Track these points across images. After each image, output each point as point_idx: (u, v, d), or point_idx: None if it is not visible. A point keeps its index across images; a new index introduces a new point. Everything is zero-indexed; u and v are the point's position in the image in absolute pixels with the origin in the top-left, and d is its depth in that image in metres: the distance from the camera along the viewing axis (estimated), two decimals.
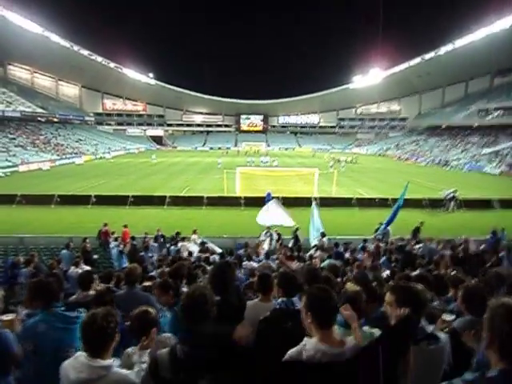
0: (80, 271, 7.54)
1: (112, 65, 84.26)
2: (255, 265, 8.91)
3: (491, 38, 60.00)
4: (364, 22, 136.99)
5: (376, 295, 3.78)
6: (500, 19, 56.66)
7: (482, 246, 12.32)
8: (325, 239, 13.00)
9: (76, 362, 2.27)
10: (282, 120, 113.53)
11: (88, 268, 8.52)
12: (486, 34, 60.58)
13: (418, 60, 78.47)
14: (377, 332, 2.89)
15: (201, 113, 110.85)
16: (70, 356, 2.88)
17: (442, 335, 2.47)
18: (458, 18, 69.78)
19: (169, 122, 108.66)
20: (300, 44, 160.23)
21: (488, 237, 14.55)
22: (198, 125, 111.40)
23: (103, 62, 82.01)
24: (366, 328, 2.94)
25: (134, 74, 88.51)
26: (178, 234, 14.61)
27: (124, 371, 2.30)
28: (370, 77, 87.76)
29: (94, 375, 2.18)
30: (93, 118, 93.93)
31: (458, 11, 75.06)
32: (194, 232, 14.70)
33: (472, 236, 12.56)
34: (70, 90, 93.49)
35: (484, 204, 24.46)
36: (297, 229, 14.99)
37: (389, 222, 15.22)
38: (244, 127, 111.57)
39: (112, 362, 2.28)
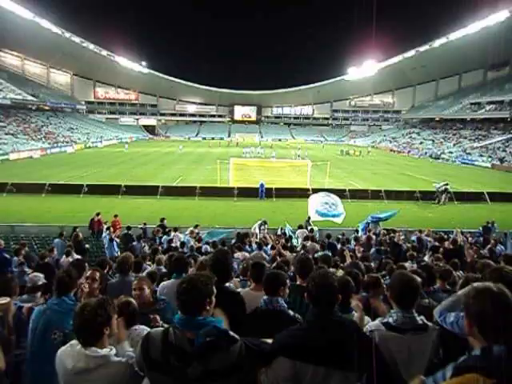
0: (71, 260, 7.52)
1: (104, 52, 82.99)
2: (247, 254, 8.95)
3: (486, 32, 60.03)
4: (358, 14, 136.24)
5: (359, 283, 3.93)
6: (494, 13, 56.68)
7: (471, 239, 12.48)
8: (299, 232, 13.22)
9: (72, 350, 2.25)
10: (276, 111, 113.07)
11: (79, 257, 8.50)
12: (480, 27, 60.65)
13: (412, 52, 78.37)
14: (367, 319, 2.95)
15: (194, 103, 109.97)
16: (56, 339, 2.95)
17: (431, 325, 2.51)
18: (453, 11, 69.80)
19: (162, 112, 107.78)
20: (294, 35, 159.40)
21: (480, 229, 14.79)
22: (192, 115, 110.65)
23: (95, 50, 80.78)
24: (357, 314, 3.00)
25: (127, 63, 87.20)
26: (162, 220, 14.44)
27: (123, 359, 2.26)
28: (364, 69, 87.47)
29: (92, 364, 2.16)
30: (84, 107, 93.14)
31: (452, 4, 74.95)
32: (196, 227, 13.86)
33: (464, 228, 12.70)
34: (61, 78, 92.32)
35: (475, 197, 24.71)
36: (308, 218, 15.33)
37: (373, 221, 15.22)
38: (237, 118, 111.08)
39: (109, 351, 2.24)
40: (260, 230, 13.89)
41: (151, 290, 3.59)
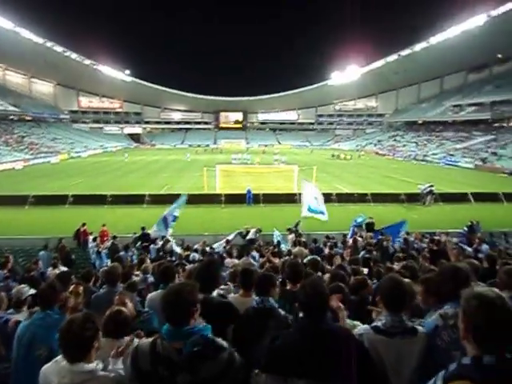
0: (58, 272, 7.39)
1: (87, 62, 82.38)
2: (236, 261, 8.93)
3: (466, 35, 61.48)
4: (341, 19, 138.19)
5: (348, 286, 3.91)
6: (474, 16, 58.05)
7: (454, 239, 12.62)
8: (290, 236, 13.33)
9: (57, 366, 2.19)
10: (262, 117, 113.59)
11: (66, 269, 8.36)
12: (460, 31, 62.03)
13: (394, 57, 79.65)
14: (358, 324, 2.95)
15: (179, 110, 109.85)
16: (41, 355, 2.86)
17: (421, 330, 2.49)
18: (433, 15, 71.26)
19: (146, 120, 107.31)
20: (278, 41, 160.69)
21: (465, 229, 14.96)
22: (177, 122, 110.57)
23: (78, 59, 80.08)
24: (348, 321, 2.99)
25: (110, 71, 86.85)
26: (143, 228, 14.15)
27: (110, 374, 2.21)
28: (348, 73, 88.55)
29: (78, 380, 2.11)
30: (68, 116, 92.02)
31: (432, 8, 76.48)
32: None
33: (449, 228, 12.85)
34: (44, 88, 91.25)
35: (460, 197, 25.08)
36: (298, 222, 15.33)
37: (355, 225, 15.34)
38: (223, 124, 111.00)
39: (95, 366, 2.19)
40: (255, 237, 13.86)
41: (134, 303, 3.53)
